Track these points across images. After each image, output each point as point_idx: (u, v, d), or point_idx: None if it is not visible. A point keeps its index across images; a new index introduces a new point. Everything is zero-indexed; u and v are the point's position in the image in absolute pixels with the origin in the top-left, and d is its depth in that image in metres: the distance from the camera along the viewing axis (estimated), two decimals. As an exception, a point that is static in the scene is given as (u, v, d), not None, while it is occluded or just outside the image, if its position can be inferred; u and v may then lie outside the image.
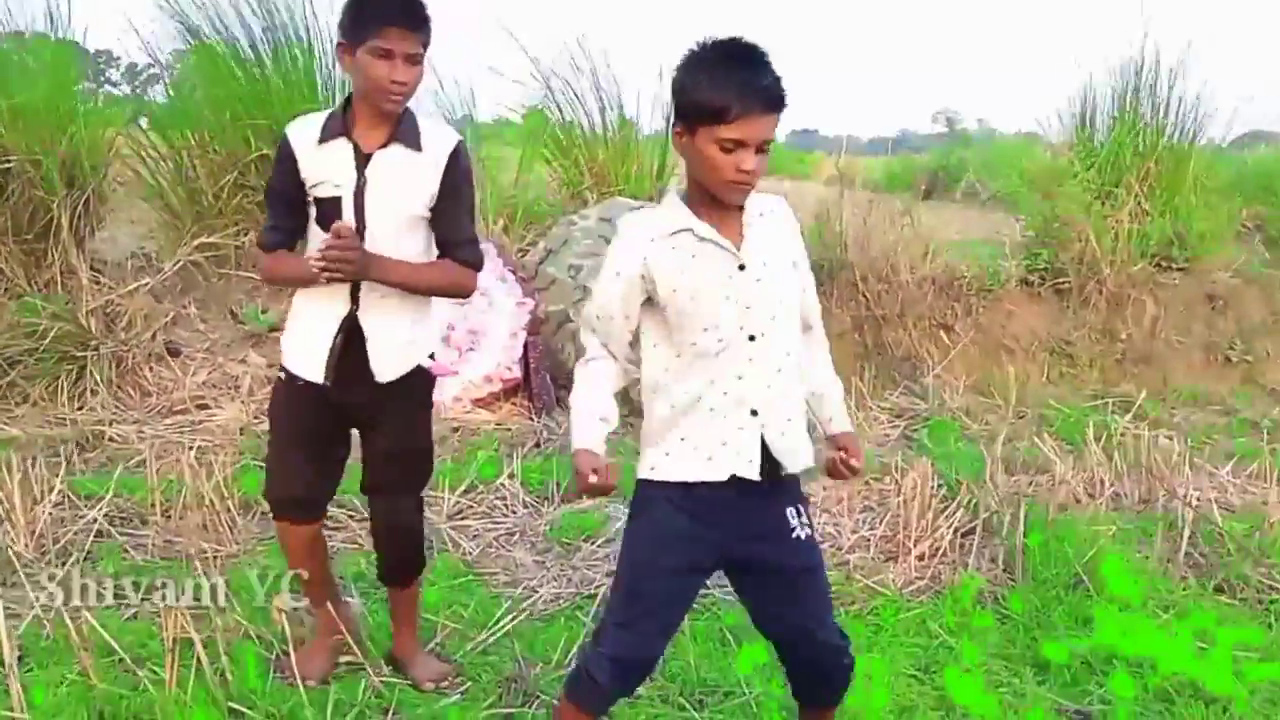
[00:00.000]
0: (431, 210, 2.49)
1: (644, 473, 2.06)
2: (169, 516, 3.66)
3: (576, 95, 6.67)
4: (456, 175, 2.49)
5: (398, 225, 2.46)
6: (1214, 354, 6.67)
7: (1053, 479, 4.30)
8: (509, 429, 5.03)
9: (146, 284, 5.53)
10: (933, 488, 3.85)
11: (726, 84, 1.85)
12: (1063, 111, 7.29)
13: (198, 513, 3.60)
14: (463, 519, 3.94)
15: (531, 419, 5.15)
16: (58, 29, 5.64)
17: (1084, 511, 3.99)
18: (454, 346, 5.20)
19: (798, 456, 2.05)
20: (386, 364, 2.51)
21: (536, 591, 3.38)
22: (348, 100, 2.47)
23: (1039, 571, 3.48)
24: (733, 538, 2.04)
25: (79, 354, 5.11)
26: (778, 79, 1.89)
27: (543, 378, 5.31)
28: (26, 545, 3.42)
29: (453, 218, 2.52)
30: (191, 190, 5.95)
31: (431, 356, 2.62)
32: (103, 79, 7.45)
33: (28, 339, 5.13)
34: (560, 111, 6.67)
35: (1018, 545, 3.56)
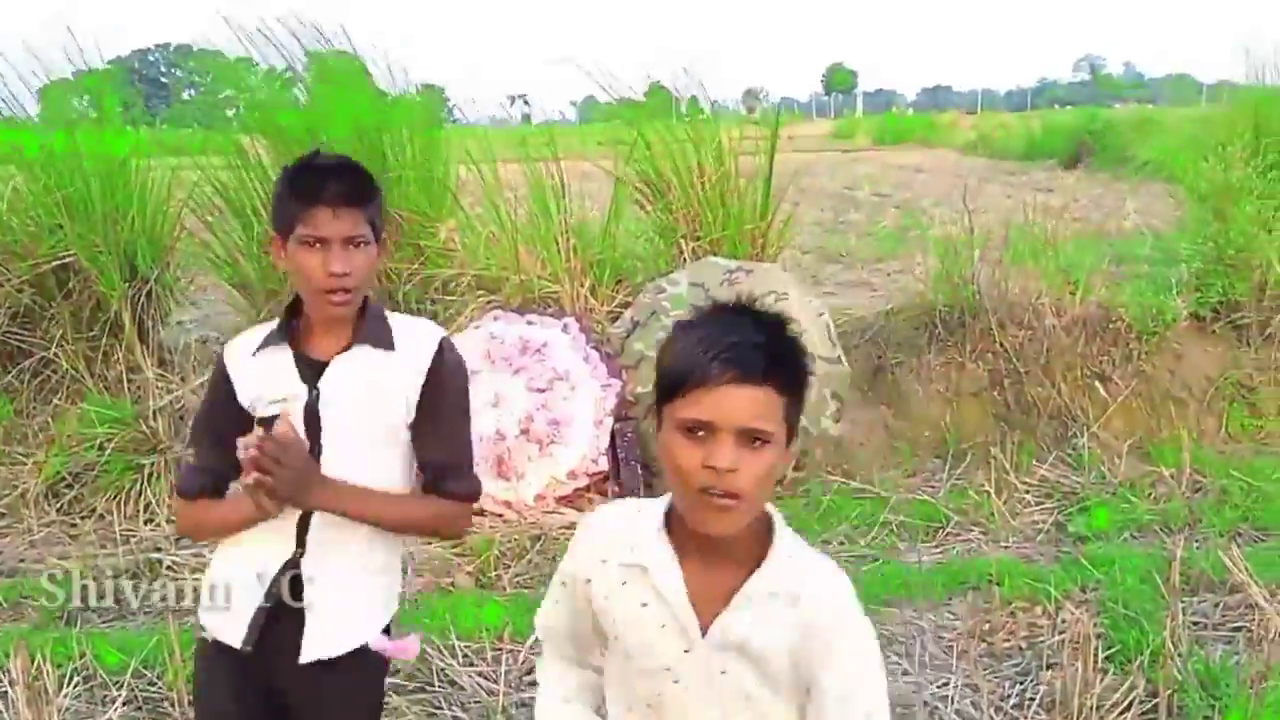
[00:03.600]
0: (411, 427, 1.92)
1: None
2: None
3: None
4: (443, 379, 1.92)
5: (365, 444, 1.89)
6: None
7: (1251, 612, 3.50)
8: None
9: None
10: (1097, 650, 3.13)
11: None
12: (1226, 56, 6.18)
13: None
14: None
15: (622, 517, 4.61)
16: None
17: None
18: (534, 440, 4.68)
19: None
20: (322, 637, 1.88)
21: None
22: (293, 304, 1.94)
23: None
24: None
25: (144, 460, 4.83)
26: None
27: (633, 469, 4.75)
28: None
29: (440, 436, 1.94)
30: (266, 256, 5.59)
31: (386, 631, 1.97)
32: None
33: (92, 447, 4.88)
34: (650, 149, 5.97)
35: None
